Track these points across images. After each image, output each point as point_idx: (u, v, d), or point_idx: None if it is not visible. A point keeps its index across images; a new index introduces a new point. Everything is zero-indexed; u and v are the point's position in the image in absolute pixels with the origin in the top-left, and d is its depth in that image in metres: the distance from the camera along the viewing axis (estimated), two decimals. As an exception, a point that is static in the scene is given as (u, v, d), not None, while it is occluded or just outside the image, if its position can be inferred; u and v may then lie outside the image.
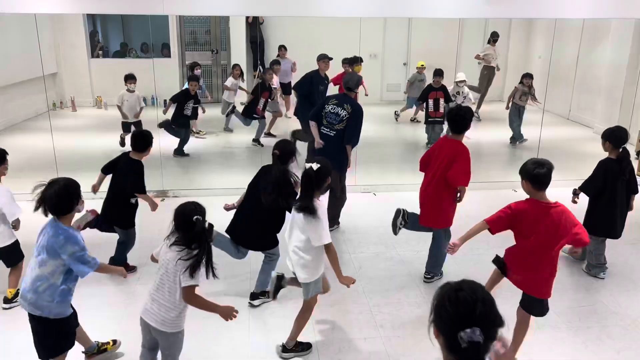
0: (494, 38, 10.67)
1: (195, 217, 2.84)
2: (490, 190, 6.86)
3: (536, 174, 3.16)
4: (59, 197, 3.00)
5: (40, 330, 3.09)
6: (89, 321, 3.56)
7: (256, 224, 4.10)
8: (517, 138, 9.15)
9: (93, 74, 11.29)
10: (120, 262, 4.57)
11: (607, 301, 4.40)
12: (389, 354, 3.69)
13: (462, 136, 4.28)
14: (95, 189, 4.72)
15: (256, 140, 8.82)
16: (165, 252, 2.93)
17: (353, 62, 8.47)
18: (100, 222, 4.44)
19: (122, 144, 8.32)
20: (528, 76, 9.07)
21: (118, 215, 4.63)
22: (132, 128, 8.16)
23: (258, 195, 3.96)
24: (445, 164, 4.21)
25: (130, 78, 8.15)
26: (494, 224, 3.33)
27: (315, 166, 3.33)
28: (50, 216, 3.07)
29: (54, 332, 3.10)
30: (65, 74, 11.16)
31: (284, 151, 4.03)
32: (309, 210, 3.28)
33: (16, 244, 4.25)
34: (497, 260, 3.58)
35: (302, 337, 3.73)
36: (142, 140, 4.55)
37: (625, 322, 4.11)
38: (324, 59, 7.52)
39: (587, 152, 8.75)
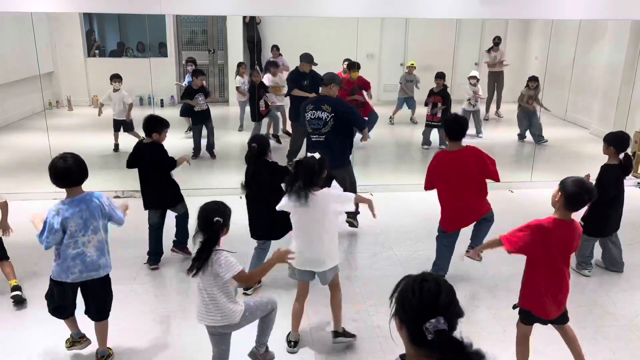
0: (495, 42, 10.68)
1: (215, 218, 2.88)
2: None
3: (580, 200, 3.05)
4: (77, 169, 3.20)
5: (107, 287, 3.44)
6: (85, 320, 3.54)
7: (270, 216, 4.18)
8: (536, 140, 9.03)
9: (89, 73, 11.27)
10: (184, 239, 4.91)
11: (603, 301, 4.41)
12: (386, 354, 3.69)
13: (460, 142, 4.36)
14: None
15: (275, 136, 8.92)
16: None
17: (350, 67, 8.46)
18: None
19: (116, 149, 8.35)
20: (533, 79, 9.04)
21: (170, 198, 4.79)
22: (122, 128, 8.25)
23: (258, 192, 4.16)
24: (477, 171, 4.32)
25: (115, 77, 8.14)
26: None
27: (317, 155, 3.46)
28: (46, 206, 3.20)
29: (110, 284, 3.48)
30: (61, 73, 11.14)
31: (262, 144, 4.21)
32: (306, 197, 3.39)
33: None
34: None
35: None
36: (149, 123, 4.61)
37: (621, 322, 4.12)
38: (303, 61, 7.65)
39: (584, 153, 8.79)
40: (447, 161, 4.39)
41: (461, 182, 4.33)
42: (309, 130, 5.28)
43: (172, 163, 4.71)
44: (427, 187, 4.53)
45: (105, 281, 3.40)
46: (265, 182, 4.14)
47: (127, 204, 3.60)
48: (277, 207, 3.58)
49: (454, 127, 4.34)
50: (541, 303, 3.18)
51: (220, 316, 3.00)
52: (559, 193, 3.09)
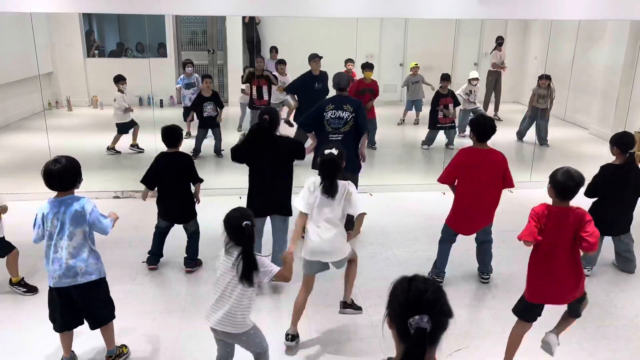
0: (498, 42, 10.68)
1: (244, 222, 2.86)
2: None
3: (567, 187, 3.14)
4: (68, 173, 3.17)
5: (96, 294, 3.32)
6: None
7: (283, 190, 4.26)
8: (540, 142, 8.99)
9: (89, 74, 11.27)
10: (194, 255, 4.75)
11: (603, 301, 4.41)
12: (386, 354, 3.68)
13: (487, 143, 4.41)
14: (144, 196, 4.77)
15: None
16: (224, 261, 2.96)
17: (363, 67, 8.41)
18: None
19: (115, 152, 8.30)
20: (544, 77, 8.91)
21: (188, 210, 4.66)
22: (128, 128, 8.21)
23: (271, 164, 4.17)
24: (500, 172, 4.36)
25: (121, 79, 8.07)
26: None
27: (335, 151, 3.58)
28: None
29: (106, 290, 3.41)
30: (61, 73, 11.13)
31: (273, 117, 4.22)
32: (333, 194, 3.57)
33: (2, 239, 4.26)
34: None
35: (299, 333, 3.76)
36: (173, 136, 4.60)
37: (621, 323, 4.13)
38: (314, 58, 7.61)
39: (583, 153, 8.80)
40: (476, 157, 4.38)
41: (483, 181, 4.34)
42: (328, 130, 5.27)
43: (197, 178, 4.67)
44: (445, 180, 4.49)
45: (90, 288, 3.26)
46: (284, 157, 4.21)
47: (116, 215, 3.44)
48: (296, 201, 3.70)
49: (485, 129, 4.35)
50: (533, 287, 3.35)
51: (228, 321, 2.94)
52: (550, 185, 3.24)
